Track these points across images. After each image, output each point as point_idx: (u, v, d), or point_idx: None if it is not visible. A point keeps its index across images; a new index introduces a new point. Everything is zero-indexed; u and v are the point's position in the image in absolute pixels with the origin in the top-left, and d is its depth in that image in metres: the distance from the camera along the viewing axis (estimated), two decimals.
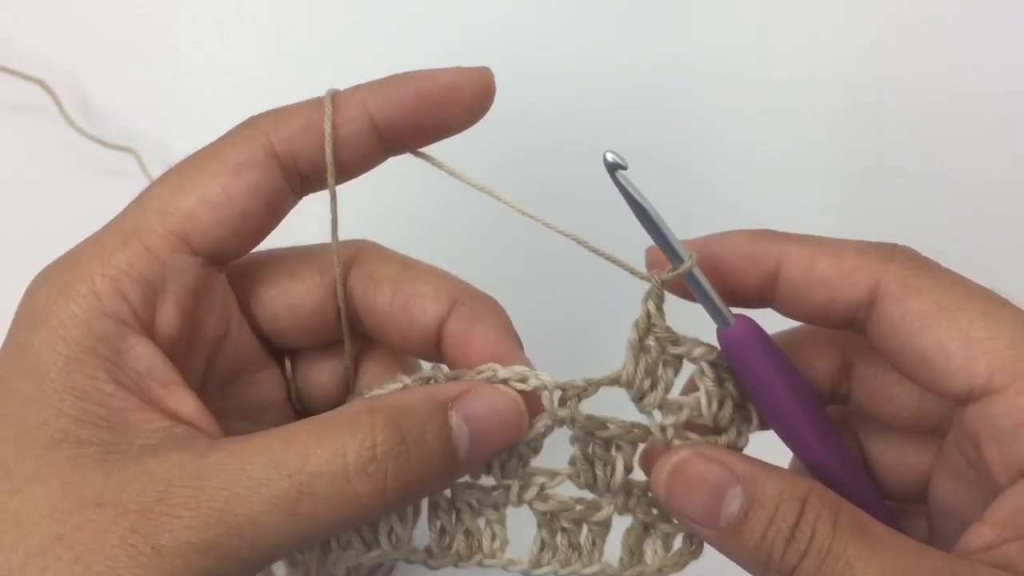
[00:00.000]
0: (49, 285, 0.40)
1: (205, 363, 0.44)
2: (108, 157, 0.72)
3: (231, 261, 0.44)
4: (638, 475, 0.46)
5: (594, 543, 0.46)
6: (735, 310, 0.42)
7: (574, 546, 0.46)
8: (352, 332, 0.47)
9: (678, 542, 0.46)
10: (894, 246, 0.41)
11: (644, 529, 0.46)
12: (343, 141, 0.43)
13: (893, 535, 0.38)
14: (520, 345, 0.45)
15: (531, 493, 0.45)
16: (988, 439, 0.38)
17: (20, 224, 0.71)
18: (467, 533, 0.46)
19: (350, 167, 0.44)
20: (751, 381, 0.43)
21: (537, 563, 0.46)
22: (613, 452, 0.45)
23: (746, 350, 0.42)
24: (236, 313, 0.45)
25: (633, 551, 0.46)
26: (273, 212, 0.43)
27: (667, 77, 0.75)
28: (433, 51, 0.75)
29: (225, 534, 0.36)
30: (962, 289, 0.40)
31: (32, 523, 0.36)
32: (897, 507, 0.46)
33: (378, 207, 0.63)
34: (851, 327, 0.42)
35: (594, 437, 0.45)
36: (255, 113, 0.44)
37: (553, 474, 0.46)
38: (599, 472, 0.45)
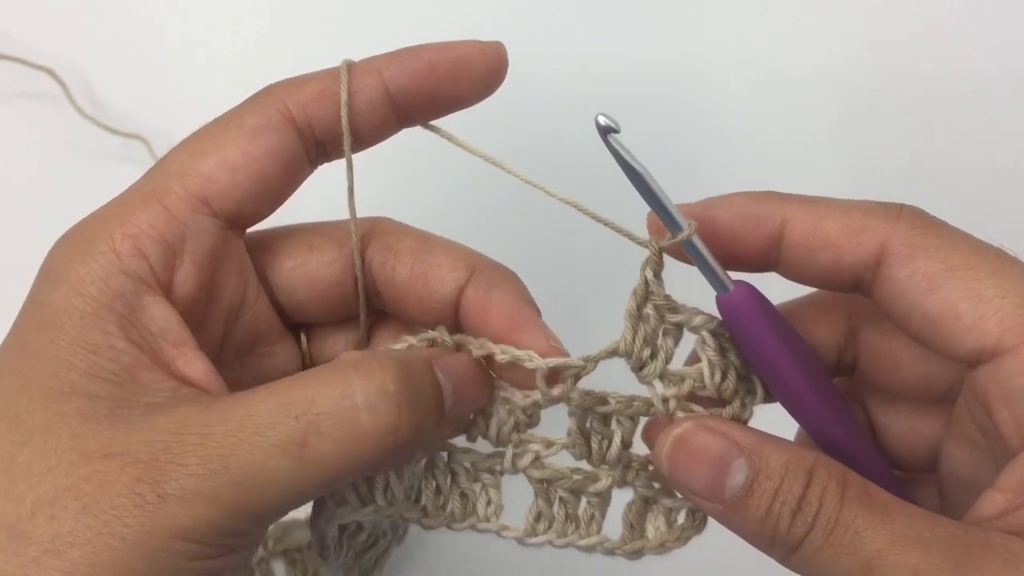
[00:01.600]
0: (69, 244, 0.41)
1: (222, 329, 0.45)
2: (117, 145, 0.72)
3: (250, 225, 0.44)
4: (639, 449, 0.46)
5: (592, 516, 0.45)
6: (738, 276, 0.42)
7: (571, 518, 0.45)
8: (368, 306, 0.47)
9: (681, 517, 0.45)
10: (901, 206, 0.40)
11: (645, 503, 0.45)
12: (358, 109, 0.43)
13: (902, 504, 0.37)
14: (538, 312, 0.45)
15: (525, 460, 0.45)
16: (999, 401, 0.38)
17: (30, 211, 0.71)
18: (462, 495, 0.46)
19: (365, 136, 0.44)
20: (752, 349, 0.42)
21: (532, 531, 0.45)
22: (612, 427, 0.45)
23: (746, 316, 0.41)
24: (254, 281, 0.45)
25: (634, 526, 0.45)
26: (291, 176, 0.44)
27: (668, 77, 0.75)
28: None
29: (231, 481, 0.36)
30: (970, 247, 0.39)
31: (40, 474, 0.37)
32: (907, 477, 0.46)
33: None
34: (858, 289, 0.42)
35: (593, 412, 0.44)
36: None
37: (549, 443, 0.46)
38: (595, 445, 0.45)
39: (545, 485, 0.45)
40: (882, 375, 0.45)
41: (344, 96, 0.43)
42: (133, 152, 0.72)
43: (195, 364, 0.41)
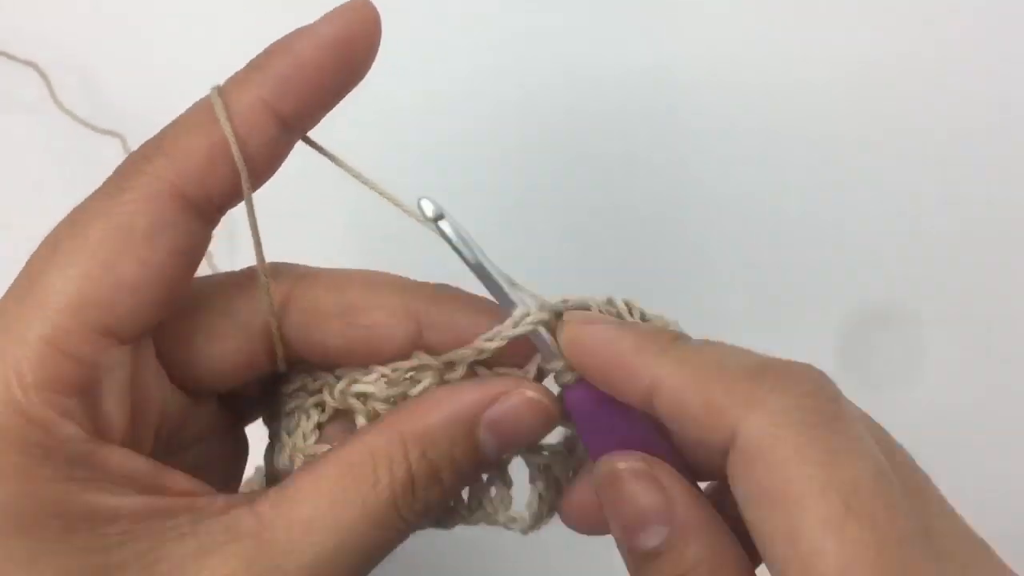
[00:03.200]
0: None
1: (151, 438, 0.40)
2: (96, 141, 0.72)
3: (154, 328, 0.38)
4: None
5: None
6: None
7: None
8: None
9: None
10: (785, 373, 0.34)
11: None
12: (254, 155, 0.38)
13: None
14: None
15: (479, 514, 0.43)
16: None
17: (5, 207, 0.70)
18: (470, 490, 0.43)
19: (264, 172, 0.39)
20: (587, 441, 0.40)
21: (538, 520, 0.43)
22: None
23: (579, 416, 0.39)
24: (165, 380, 0.40)
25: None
26: (194, 260, 0.38)
27: (663, 80, 0.73)
28: (431, 49, 0.75)
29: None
30: (800, 472, 0.31)
31: None
32: None
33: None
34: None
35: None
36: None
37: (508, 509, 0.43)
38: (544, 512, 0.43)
39: (542, 467, 0.43)
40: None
41: (239, 161, 0.37)
42: (111, 150, 0.71)
43: (180, 480, 0.38)
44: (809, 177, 0.72)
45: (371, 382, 0.41)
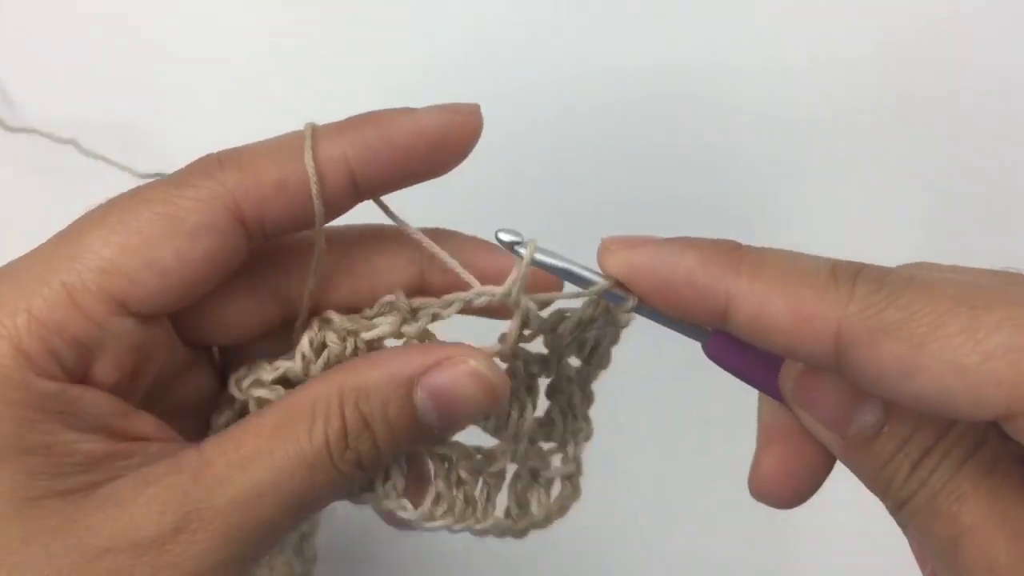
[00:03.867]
0: None
1: (145, 387, 0.41)
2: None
3: (170, 313, 0.40)
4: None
5: (488, 496, 0.44)
6: None
7: (469, 500, 0.44)
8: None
9: (557, 485, 0.45)
10: (856, 273, 0.35)
11: (532, 477, 0.45)
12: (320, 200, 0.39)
13: (1020, 491, 0.34)
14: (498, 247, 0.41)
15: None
16: None
17: None
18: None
19: (323, 219, 0.40)
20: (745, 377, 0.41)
21: (430, 516, 0.43)
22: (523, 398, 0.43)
23: (724, 364, 0.40)
24: (172, 341, 0.42)
25: (520, 503, 0.44)
26: (226, 272, 0.40)
27: (663, 78, 0.74)
28: (431, 48, 0.75)
29: (244, 543, 0.37)
30: (937, 308, 0.33)
31: None
32: None
33: None
34: (823, 368, 0.36)
35: (526, 368, 0.43)
36: (215, 149, 0.40)
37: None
38: (514, 414, 0.43)
39: (446, 464, 0.44)
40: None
41: (319, 207, 0.39)
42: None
43: (146, 424, 0.39)
44: (809, 177, 0.72)
45: (335, 314, 0.42)
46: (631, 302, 0.39)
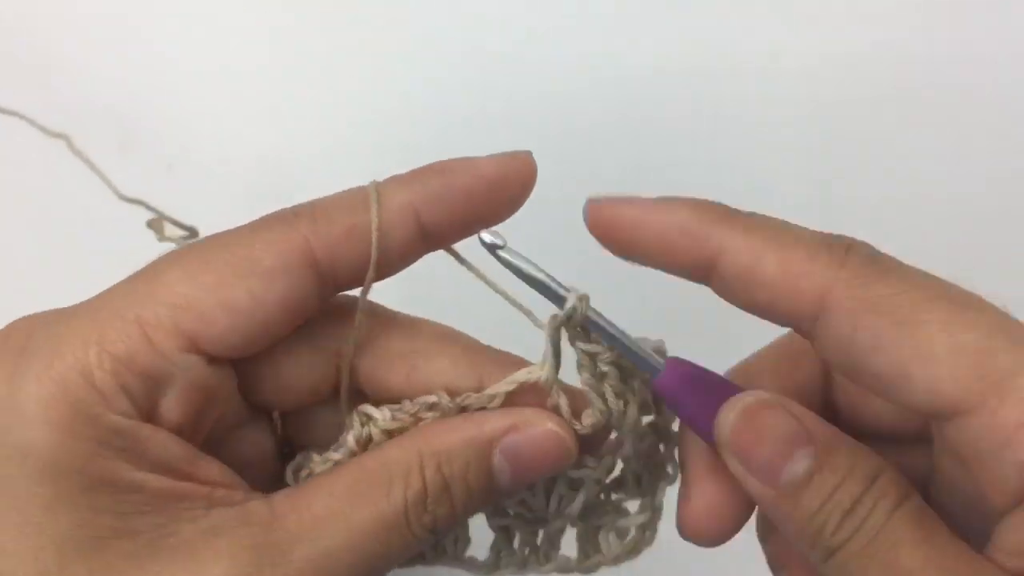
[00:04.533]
0: (37, 376, 0.36)
1: (206, 433, 0.41)
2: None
3: (237, 358, 0.40)
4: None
5: (551, 542, 0.45)
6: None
7: (530, 546, 0.44)
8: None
9: (632, 532, 0.45)
10: (848, 245, 0.36)
11: (596, 529, 0.45)
12: (389, 248, 0.39)
13: (953, 538, 0.35)
14: None
15: (489, 508, 0.44)
16: (971, 458, 0.35)
17: None
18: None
19: (391, 270, 0.41)
20: (688, 422, 0.41)
21: (495, 566, 0.44)
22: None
23: (675, 400, 0.40)
24: (234, 389, 0.41)
25: (588, 551, 0.45)
26: (298, 318, 0.40)
27: (661, 78, 0.74)
28: (430, 48, 0.75)
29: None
30: (921, 295, 0.35)
31: None
32: None
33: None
34: (797, 331, 0.38)
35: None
36: (288, 206, 0.40)
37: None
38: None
39: (508, 532, 0.44)
40: (855, 416, 0.42)
41: (375, 245, 0.39)
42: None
43: (211, 468, 0.39)
44: (810, 177, 0.72)
45: (377, 409, 0.42)
46: (582, 309, 0.39)
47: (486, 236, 0.39)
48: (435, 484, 0.38)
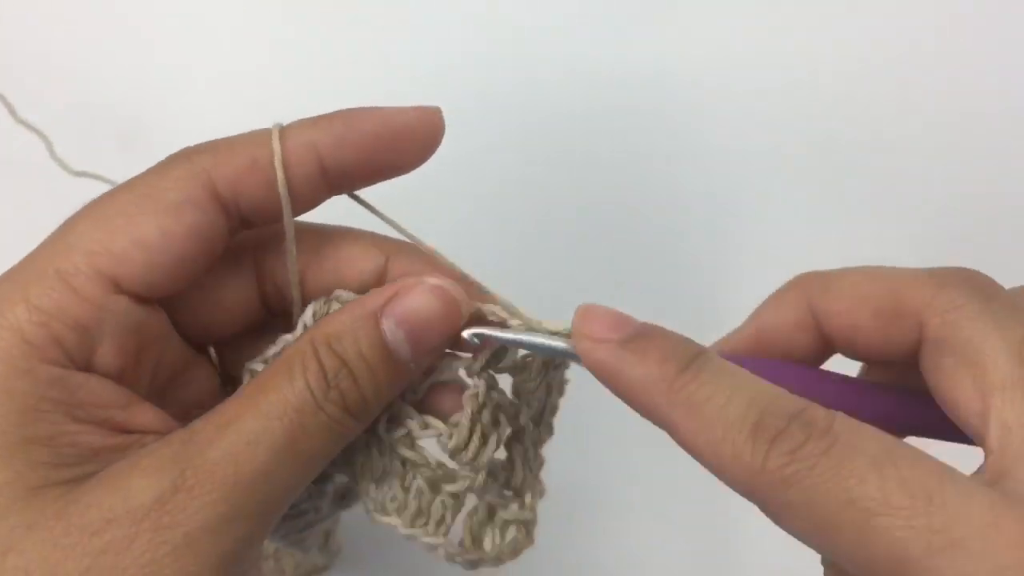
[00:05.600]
0: None
1: (147, 382, 0.42)
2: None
3: (162, 297, 0.41)
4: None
5: (443, 517, 0.44)
6: None
7: (423, 511, 0.44)
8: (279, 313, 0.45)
9: (512, 531, 0.45)
10: (774, 436, 0.35)
11: (489, 514, 0.45)
12: (289, 183, 0.41)
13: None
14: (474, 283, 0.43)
15: (399, 432, 0.43)
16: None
17: None
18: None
19: (293, 209, 0.42)
20: None
21: (381, 508, 0.44)
22: (502, 422, 0.44)
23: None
24: (173, 336, 0.43)
25: (474, 536, 0.45)
26: (210, 253, 0.41)
27: (660, 80, 0.75)
28: (429, 47, 0.76)
29: (244, 495, 0.37)
30: (831, 504, 0.33)
31: (44, 570, 0.35)
32: None
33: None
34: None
35: (496, 393, 0.43)
36: (188, 144, 0.41)
37: (425, 424, 0.43)
38: (474, 440, 0.43)
39: (407, 468, 0.44)
40: (850, 345, 0.42)
41: (280, 176, 0.40)
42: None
43: (148, 415, 0.40)
44: (809, 177, 0.73)
45: (343, 295, 0.43)
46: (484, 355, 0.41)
47: (466, 334, 0.41)
48: (331, 363, 0.39)
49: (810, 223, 0.72)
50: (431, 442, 0.44)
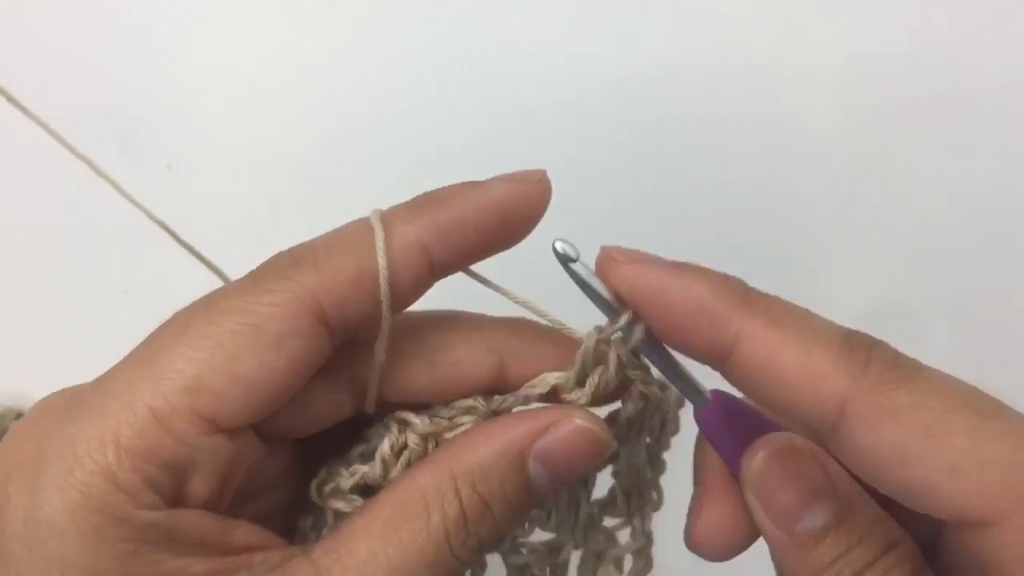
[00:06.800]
0: (59, 486, 0.35)
1: (232, 495, 0.40)
2: None
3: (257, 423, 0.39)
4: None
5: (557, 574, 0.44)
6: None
7: None
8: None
9: (629, 561, 0.44)
10: (870, 347, 0.35)
11: (597, 558, 0.44)
12: (400, 288, 0.38)
13: None
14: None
15: (505, 545, 0.42)
16: (992, 564, 0.34)
17: None
18: None
19: (406, 304, 0.39)
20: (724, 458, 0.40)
21: None
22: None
23: (713, 436, 0.40)
24: (258, 447, 0.40)
25: None
26: (312, 371, 0.38)
27: (662, 78, 0.73)
28: (431, 49, 0.75)
29: None
30: (944, 404, 0.33)
31: None
32: None
33: None
34: (809, 433, 0.37)
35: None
36: (282, 247, 0.39)
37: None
38: (565, 506, 0.43)
39: (523, 571, 0.43)
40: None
41: (384, 288, 0.37)
42: None
43: (246, 533, 0.38)
44: (810, 177, 0.72)
45: (415, 416, 0.41)
46: (637, 334, 0.38)
47: (559, 245, 0.37)
48: (474, 505, 0.37)
49: (815, 223, 0.72)
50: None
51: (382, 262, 0.37)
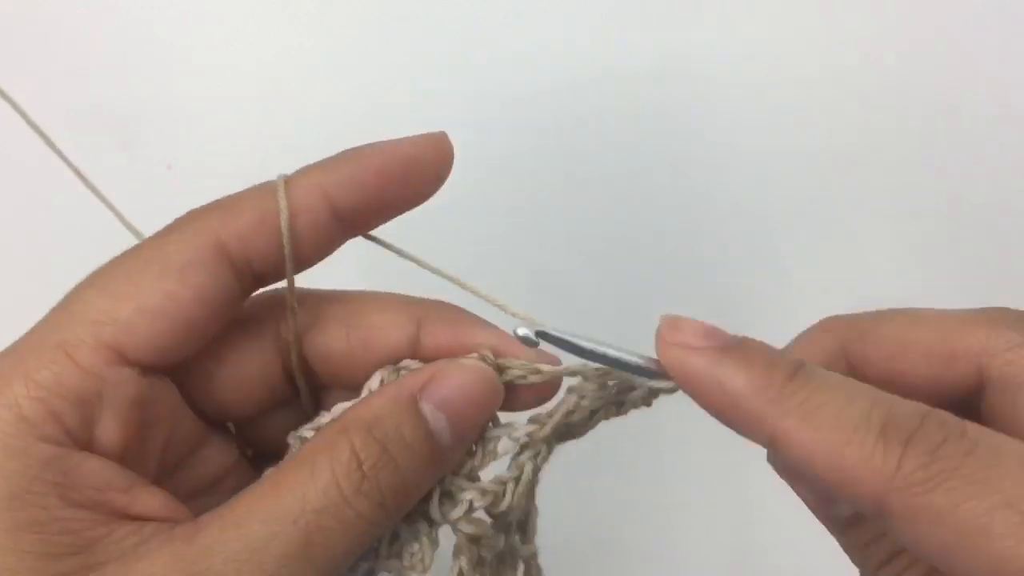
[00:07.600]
0: None
1: (156, 459, 0.40)
2: None
3: (171, 366, 0.39)
4: None
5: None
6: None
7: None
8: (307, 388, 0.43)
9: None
10: (906, 440, 0.33)
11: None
12: (301, 232, 0.39)
13: None
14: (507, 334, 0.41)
15: (457, 511, 0.40)
16: None
17: None
18: (393, 537, 0.41)
19: (309, 258, 0.40)
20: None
21: None
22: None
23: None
24: (184, 409, 0.41)
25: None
26: (221, 315, 0.39)
27: (663, 79, 0.74)
28: (432, 51, 0.75)
29: None
30: (980, 505, 0.31)
31: None
32: None
33: None
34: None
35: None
36: (197, 205, 0.40)
37: (483, 491, 0.40)
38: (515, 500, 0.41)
39: (474, 544, 0.41)
40: (891, 379, 0.40)
41: (285, 225, 0.39)
42: None
43: (153, 499, 0.37)
44: (809, 177, 0.72)
45: (412, 365, 0.41)
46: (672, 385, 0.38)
47: (520, 331, 0.38)
48: (368, 447, 0.37)
49: (817, 224, 0.72)
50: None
51: (282, 203, 0.38)
